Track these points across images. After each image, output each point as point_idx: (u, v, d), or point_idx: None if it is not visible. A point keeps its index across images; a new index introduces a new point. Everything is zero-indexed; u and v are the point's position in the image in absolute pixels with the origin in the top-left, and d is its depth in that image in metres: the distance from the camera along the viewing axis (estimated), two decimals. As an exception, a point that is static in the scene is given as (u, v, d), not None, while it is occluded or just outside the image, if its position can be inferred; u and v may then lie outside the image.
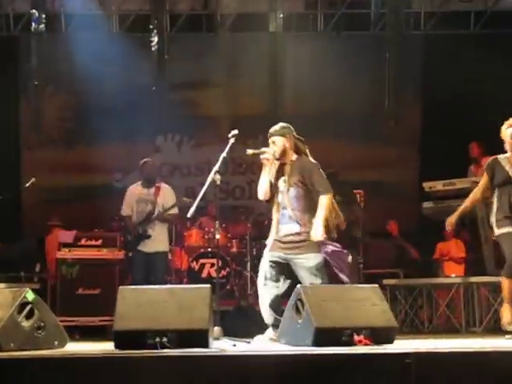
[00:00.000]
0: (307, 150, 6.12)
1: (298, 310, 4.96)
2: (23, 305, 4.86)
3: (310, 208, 5.85)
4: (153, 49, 11.76)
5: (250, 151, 6.10)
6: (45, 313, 4.98)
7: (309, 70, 12.22)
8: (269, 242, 5.96)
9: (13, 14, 12.11)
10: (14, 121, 12.34)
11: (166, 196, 8.50)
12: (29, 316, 4.87)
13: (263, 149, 6.03)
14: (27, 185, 7.58)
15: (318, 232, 5.72)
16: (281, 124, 6.13)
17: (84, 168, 11.97)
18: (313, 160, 6.07)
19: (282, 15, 11.90)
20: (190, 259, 9.53)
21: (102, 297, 8.48)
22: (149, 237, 8.25)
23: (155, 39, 11.71)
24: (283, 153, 5.98)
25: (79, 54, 11.90)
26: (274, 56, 12.14)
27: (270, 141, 6.03)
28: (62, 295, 8.66)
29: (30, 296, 4.90)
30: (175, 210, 8.48)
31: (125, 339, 4.62)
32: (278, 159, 6.00)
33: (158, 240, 8.32)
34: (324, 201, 5.82)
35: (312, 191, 5.89)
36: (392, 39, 11.71)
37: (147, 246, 8.27)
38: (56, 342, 4.95)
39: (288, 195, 5.90)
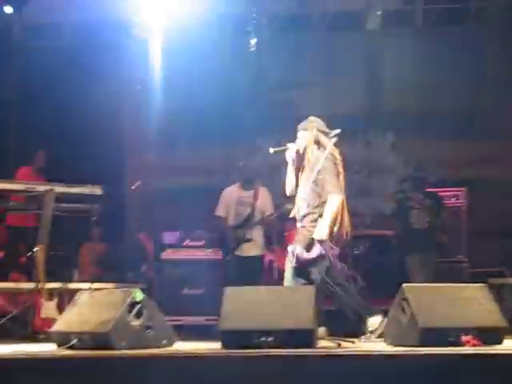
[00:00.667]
0: (330, 144, 5.98)
1: (402, 310, 4.91)
2: (132, 304, 4.98)
3: (319, 206, 5.75)
4: (252, 49, 11.87)
5: (272, 150, 6.09)
6: (153, 312, 5.10)
7: (408, 67, 12.08)
8: None
9: (116, 20, 12.43)
10: (117, 125, 12.64)
11: (265, 199, 8.47)
12: (138, 315, 4.99)
13: (288, 145, 6.00)
14: (133, 187, 7.76)
15: (322, 231, 5.61)
16: (309, 118, 6.09)
17: (186, 170, 12.17)
18: (331, 155, 5.93)
19: (379, 12, 11.80)
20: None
21: (206, 297, 8.60)
22: (249, 240, 8.27)
23: (254, 40, 11.82)
24: (305, 148, 5.87)
25: (180, 57, 12.13)
26: (372, 54, 12.09)
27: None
28: (167, 295, 8.82)
29: (139, 296, 5.02)
30: (273, 213, 8.46)
31: (231, 338, 4.69)
32: (302, 154, 5.93)
33: (255, 244, 8.33)
34: (333, 201, 5.67)
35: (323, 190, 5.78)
36: (493, 33, 11.45)
37: (244, 250, 8.28)
38: (164, 341, 5.06)
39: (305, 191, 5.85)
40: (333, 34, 12.35)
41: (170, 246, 9.25)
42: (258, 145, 12.51)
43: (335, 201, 5.78)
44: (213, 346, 5.07)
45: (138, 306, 4.99)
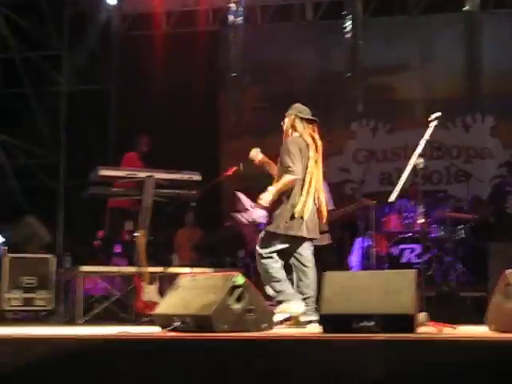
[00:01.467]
0: (302, 128, 6.29)
1: (506, 296, 4.82)
2: (233, 288, 5.04)
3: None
4: (346, 35, 11.81)
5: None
6: (254, 296, 5.15)
7: (507, 48, 11.79)
8: None
9: (211, 8, 12.62)
10: (213, 112, 12.79)
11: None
12: (239, 299, 5.05)
13: None
14: (230, 172, 7.83)
15: (264, 197, 5.98)
16: (292, 105, 6.39)
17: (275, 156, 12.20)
18: (299, 138, 6.21)
19: (478, -7, 11.56)
20: (389, 245, 9.49)
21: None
22: (326, 232, 8.32)
23: (348, 25, 11.75)
24: (285, 133, 6.29)
25: (274, 44, 12.20)
26: (470, 36, 11.83)
27: None
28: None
29: (240, 280, 5.08)
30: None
31: (331, 323, 4.70)
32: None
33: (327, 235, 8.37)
34: (284, 179, 6.06)
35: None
36: None
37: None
38: (264, 325, 5.11)
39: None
40: (430, 15, 12.16)
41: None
42: (352, 130, 12.47)
43: (285, 179, 6.08)
44: (313, 331, 5.09)
45: (239, 290, 5.04)
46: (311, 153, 6.18)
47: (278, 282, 6.02)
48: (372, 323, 4.57)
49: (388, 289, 4.71)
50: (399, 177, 6.20)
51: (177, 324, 5.03)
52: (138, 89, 12.38)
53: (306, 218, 6.05)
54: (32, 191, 11.91)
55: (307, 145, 6.21)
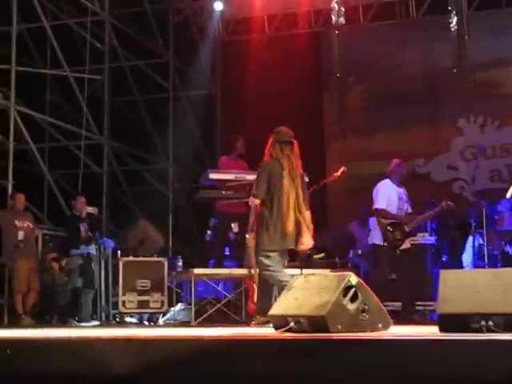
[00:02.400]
0: (284, 152, 6.40)
1: None
2: (347, 288, 5.01)
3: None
4: (452, 30, 11.61)
5: None
6: (367, 296, 5.10)
7: None
8: None
9: (313, 10, 12.64)
10: (319, 113, 12.80)
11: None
12: (353, 299, 5.02)
13: None
14: (338, 173, 7.80)
15: None
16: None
17: (387, 155, 12.07)
18: (267, 165, 6.42)
19: None
20: (502, 243, 9.26)
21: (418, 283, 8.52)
22: (415, 234, 8.18)
23: (454, 20, 11.55)
24: (265, 156, 6.52)
25: (377, 43, 12.12)
26: None
27: None
28: (376, 281, 8.81)
29: (354, 280, 5.04)
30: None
31: (449, 322, 4.62)
32: None
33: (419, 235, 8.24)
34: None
35: None
36: None
37: (406, 243, 8.15)
38: (380, 325, 5.06)
39: None
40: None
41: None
42: (459, 126, 12.23)
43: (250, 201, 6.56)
44: (429, 330, 5.02)
45: (353, 290, 5.01)
46: (285, 173, 6.38)
47: None
48: (491, 323, 4.47)
49: (507, 287, 4.59)
50: (510, 173, 6.06)
51: (291, 325, 5.04)
52: (242, 93, 12.51)
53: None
54: (143, 196, 12.21)
55: (282, 166, 6.40)
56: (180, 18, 12.86)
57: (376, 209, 8.36)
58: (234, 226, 8.86)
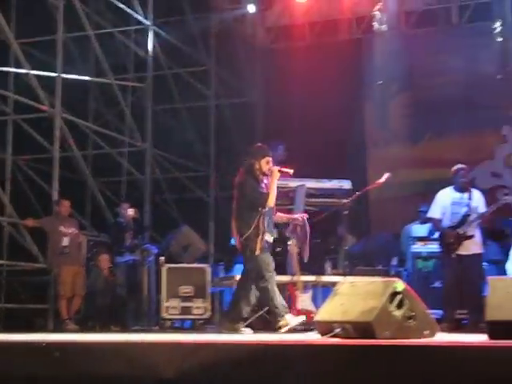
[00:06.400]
0: None
1: None
2: (394, 294, 4.99)
3: None
4: (495, 36, 11.51)
5: None
6: (414, 303, 5.07)
7: None
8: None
9: (355, 17, 12.63)
10: (360, 120, 12.76)
11: (478, 199, 8.26)
12: (399, 306, 4.99)
13: None
14: (382, 180, 7.76)
15: None
16: None
17: (430, 162, 12.03)
18: None
19: None
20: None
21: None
22: (470, 237, 8.06)
23: (498, 26, 11.45)
24: None
25: (420, 50, 12.06)
26: None
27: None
28: (416, 288, 8.73)
29: (400, 286, 5.02)
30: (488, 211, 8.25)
31: (498, 330, 4.57)
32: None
33: (475, 242, 8.11)
34: None
35: None
36: None
37: (464, 248, 8.06)
38: (427, 332, 5.03)
39: None
40: None
41: (420, 239, 9.18)
42: (504, 134, 12.11)
43: None
44: (478, 338, 4.98)
45: (400, 297, 4.98)
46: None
47: None
48: (541, 330, 4.42)
49: (556, 294, 4.55)
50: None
51: (337, 331, 5.02)
52: (282, 100, 12.53)
53: None
54: (184, 203, 12.29)
55: None
56: (221, 26, 12.92)
57: (427, 217, 8.61)
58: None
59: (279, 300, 6.66)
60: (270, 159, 6.74)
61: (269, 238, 6.70)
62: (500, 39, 11.49)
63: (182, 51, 12.46)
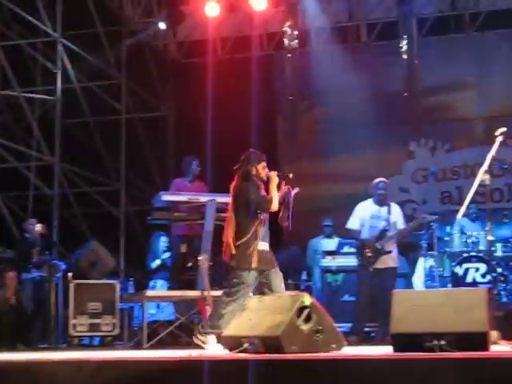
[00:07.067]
0: None
1: None
2: (301, 309, 5.02)
3: None
4: (402, 55, 11.79)
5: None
6: (321, 317, 5.11)
7: None
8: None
9: (266, 33, 12.75)
10: (272, 136, 12.85)
11: (397, 215, 8.44)
12: (307, 320, 5.03)
13: None
14: (292, 195, 7.80)
15: None
16: None
17: (340, 178, 12.21)
18: None
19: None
20: (453, 264, 9.37)
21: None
22: (388, 253, 8.22)
23: (404, 45, 11.73)
24: None
25: (330, 67, 12.23)
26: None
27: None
28: (326, 301, 8.84)
29: (307, 300, 5.06)
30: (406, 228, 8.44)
31: (402, 342, 4.65)
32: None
33: (392, 256, 8.28)
34: None
35: None
36: None
37: (380, 262, 8.22)
38: (333, 345, 5.08)
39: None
40: (485, 32, 12.10)
41: (329, 253, 9.29)
42: (411, 150, 12.39)
43: None
44: (383, 350, 5.05)
45: (307, 311, 5.02)
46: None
47: None
48: (444, 342, 4.51)
49: (459, 307, 4.65)
50: (460, 195, 6.16)
51: (245, 346, 5.02)
52: (194, 114, 12.49)
53: None
54: (94, 218, 12.10)
55: None
56: (133, 40, 12.83)
57: (345, 228, 8.63)
58: (183, 247, 8.81)
59: (225, 323, 6.04)
60: (265, 164, 6.59)
61: (264, 247, 6.53)
62: (406, 57, 11.76)
63: (93, 64, 12.30)
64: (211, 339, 6.06)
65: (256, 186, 6.48)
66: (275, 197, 6.46)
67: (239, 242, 6.30)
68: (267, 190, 6.50)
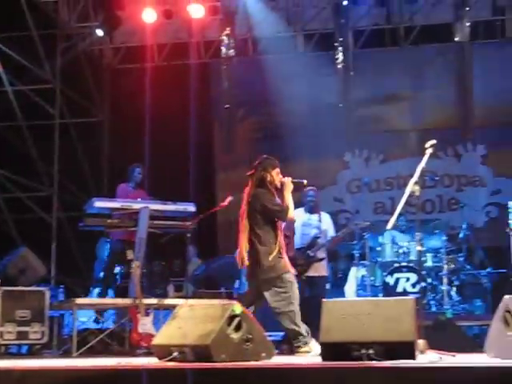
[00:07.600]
0: None
1: (506, 322, 4.81)
2: (232, 317, 5.01)
3: None
4: (338, 66, 11.92)
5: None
6: (252, 326, 5.11)
7: (498, 78, 11.91)
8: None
9: (203, 41, 12.73)
10: (209, 143, 12.84)
11: (328, 223, 8.53)
12: (237, 328, 5.02)
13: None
14: (225, 203, 7.81)
15: None
16: None
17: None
18: None
19: (468, 24, 11.66)
20: (384, 274, 9.48)
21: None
22: (320, 260, 8.28)
23: (340, 56, 11.86)
24: None
25: (266, 76, 12.28)
26: (461, 66, 11.93)
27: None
28: (259, 310, 8.82)
29: (238, 309, 5.05)
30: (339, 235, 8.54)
31: (331, 351, 4.68)
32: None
33: (322, 265, 8.35)
34: None
35: None
36: None
37: (313, 270, 8.28)
38: (263, 354, 5.08)
39: None
40: (420, 46, 12.31)
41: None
42: (345, 160, 12.50)
43: None
44: (312, 360, 5.07)
45: (238, 319, 5.02)
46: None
47: None
48: (372, 351, 4.55)
49: (387, 316, 4.70)
50: (393, 206, 6.23)
51: (175, 354, 4.98)
52: (130, 121, 12.40)
53: None
54: (25, 224, 11.88)
55: None
56: (68, 44, 12.66)
57: None
58: (129, 254, 8.71)
59: (301, 323, 6.20)
60: (279, 170, 6.46)
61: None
62: (341, 68, 11.89)
63: (26, 68, 12.09)
64: (313, 344, 5.99)
65: (271, 193, 6.36)
66: (291, 204, 6.35)
67: (271, 257, 6.20)
68: (281, 197, 6.37)
